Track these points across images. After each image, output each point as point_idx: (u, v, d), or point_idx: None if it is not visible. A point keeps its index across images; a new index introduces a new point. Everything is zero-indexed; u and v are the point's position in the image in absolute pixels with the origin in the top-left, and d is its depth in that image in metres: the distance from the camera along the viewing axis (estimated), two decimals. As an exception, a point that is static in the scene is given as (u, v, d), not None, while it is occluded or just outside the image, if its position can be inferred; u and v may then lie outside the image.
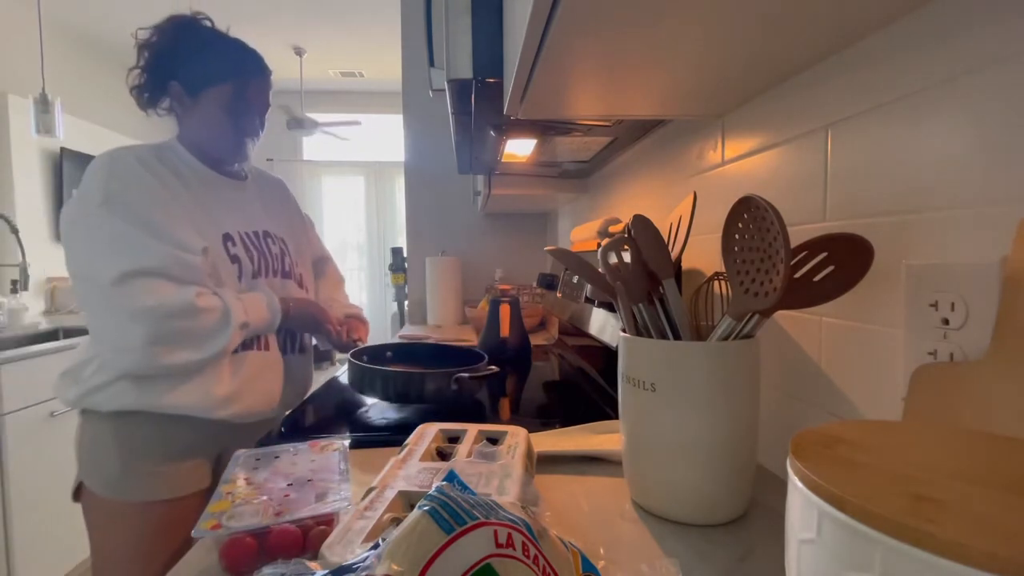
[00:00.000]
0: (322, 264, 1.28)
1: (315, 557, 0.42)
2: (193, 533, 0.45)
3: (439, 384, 0.92)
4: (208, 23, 1.00)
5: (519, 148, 1.14)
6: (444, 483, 0.34)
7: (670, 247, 0.61)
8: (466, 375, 0.92)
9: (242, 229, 1.00)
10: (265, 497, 0.50)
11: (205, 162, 1.00)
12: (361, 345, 1.22)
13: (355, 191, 4.97)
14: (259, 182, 1.13)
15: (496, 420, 0.91)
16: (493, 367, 0.98)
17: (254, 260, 1.00)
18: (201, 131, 0.99)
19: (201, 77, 0.96)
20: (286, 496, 0.51)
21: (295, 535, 0.47)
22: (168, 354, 0.84)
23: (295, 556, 0.44)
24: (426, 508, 0.31)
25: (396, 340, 1.80)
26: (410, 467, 0.55)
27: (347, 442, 0.65)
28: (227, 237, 0.96)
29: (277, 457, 0.60)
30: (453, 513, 0.31)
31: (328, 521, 0.49)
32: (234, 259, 0.96)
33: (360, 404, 0.99)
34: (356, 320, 1.22)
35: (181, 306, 0.84)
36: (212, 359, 0.88)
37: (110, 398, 0.88)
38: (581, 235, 1.28)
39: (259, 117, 1.03)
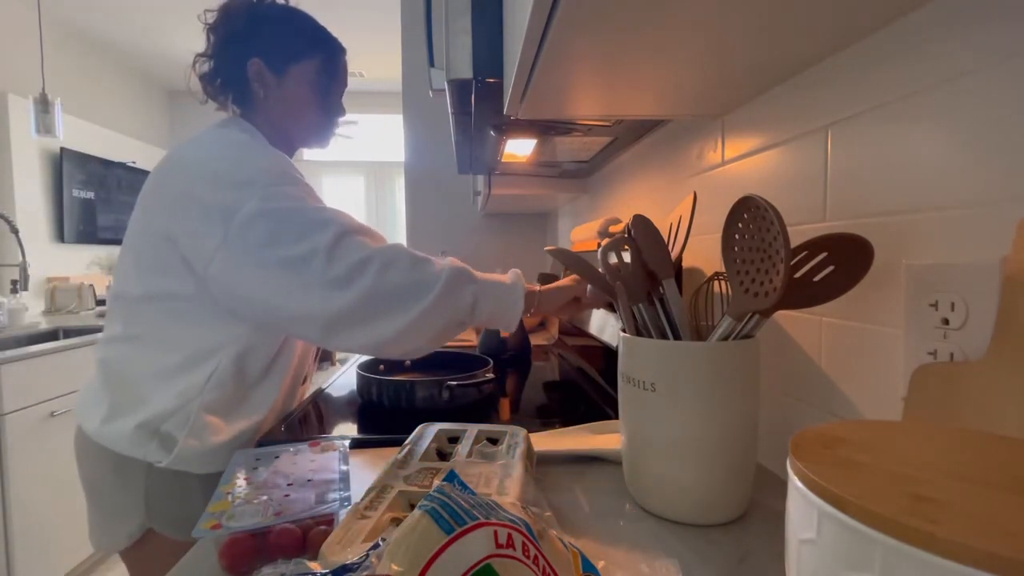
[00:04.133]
0: None
1: (315, 557, 0.43)
2: (193, 533, 0.45)
3: (430, 392, 0.93)
4: None
5: (519, 148, 1.14)
6: (444, 483, 0.34)
7: (670, 247, 0.61)
8: (455, 383, 0.93)
9: None
10: (265, 497, 0.50)
11: (284, 150, 0.92)
12: None
13: (355, 191, 4.97)
14: None
15: (496, 420, 0.92)
16: (489, 374, 0.98)
17: None
18: (288, 114, 0.90)
19: (287, 52, 0.88)
20: (286, 496, 0.51)
21: (295, 535, 0.47)
22: (386, 305, 0.74)
23: (295, 556, 0.44)
24: (426, 508, 0.31)
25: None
26: (410, 467, 0.55)
27: (347, 442, 0.65)
28: None
29: (277, 457, 0.60)
30: (453, 513, 0.31)
31: (328, 521, 0.49)
32: None
33: (359, 404, 1.00)
34: None
35: (396, 250, 0.76)
36: (427, 308, 0.74)
37: (211, 463, 0.79)
38: (581, 235, 1.28)
39: (341, 97, 0.97)
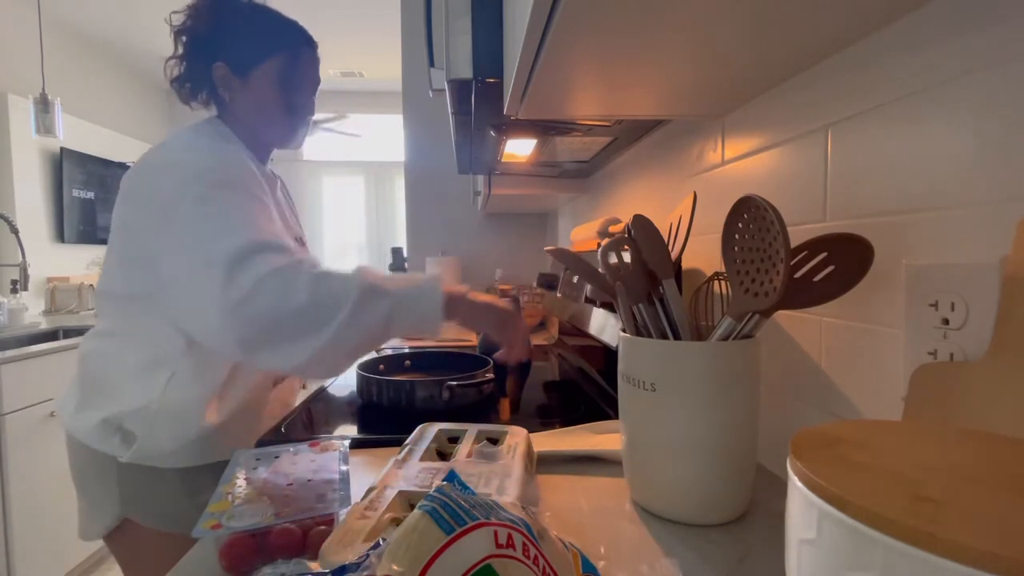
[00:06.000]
0: None
1: (315, 557, 0.43)
2: (193, 533, 0.45)
3: (430, 392, 0.93)
4: None
5: (519, 148, 1.14)
6: (444, 483, 0.34)
7: (670, 247, 0.61)
8: (455, 383, 0.93)
9: (291, 235, 0.94)
10: (265, 497, 0.50)
11: (255, 154, 0.92)
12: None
13: (355, 191, 4.97)
14: (281, 182, 1.06)
15: (496, 420, 0.92)
16: (489, 374, 0.98)
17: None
18: (255, 115, 0.90)
19: (250, 54, 0.88)
20: (286, 496, 0.50)
21: (295, 535, 0.47)
22: (280, 334, 0.71)
23: (295, 556, 0.44)
24: (426, 508, 0.31)
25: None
26: (410, 467, 0.55)
27: (347, 442, 0.65)
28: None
29: (277, 457, 0.60)
30: (453, 513, 0.31)
31: (328, 521, 0.49)
32: None
33: (359, 404, 1.00)
34: None
35: (297, 269, 0.72)
36: (333, 336, 0.71)
37: (174, 460, 0.81)
38: (581, 235, 1.28)
39: (312, 94, 0.96)
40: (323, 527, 0.48)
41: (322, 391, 1.09)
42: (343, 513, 0.48)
